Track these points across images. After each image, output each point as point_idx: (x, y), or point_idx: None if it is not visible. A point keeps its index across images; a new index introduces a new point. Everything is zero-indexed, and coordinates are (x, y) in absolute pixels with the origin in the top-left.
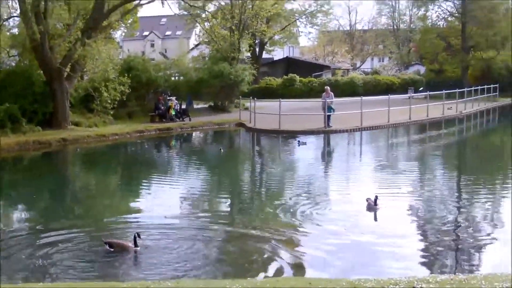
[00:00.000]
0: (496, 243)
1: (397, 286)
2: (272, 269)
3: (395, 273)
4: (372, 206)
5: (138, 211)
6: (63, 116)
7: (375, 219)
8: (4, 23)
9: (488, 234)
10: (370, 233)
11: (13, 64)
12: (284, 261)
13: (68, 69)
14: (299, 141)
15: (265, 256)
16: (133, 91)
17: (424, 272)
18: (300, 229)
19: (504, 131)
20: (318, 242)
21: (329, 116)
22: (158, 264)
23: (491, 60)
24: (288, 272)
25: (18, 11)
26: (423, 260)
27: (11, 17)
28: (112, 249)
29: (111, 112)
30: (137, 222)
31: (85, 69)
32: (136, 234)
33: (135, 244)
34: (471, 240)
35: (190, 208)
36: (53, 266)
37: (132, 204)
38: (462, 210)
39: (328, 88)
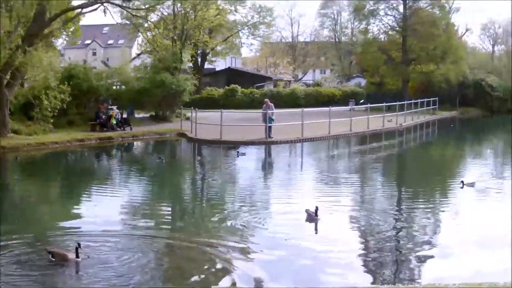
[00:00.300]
0: (436, 254)
1: None
2: (213, 280)
3: (335, 283)
4: (312, 217)
5: (78, 219)
6: (2, 123)
7: (316, 229)
8: None
9: (428, 245)
10: (310, 243)
11: None
12: (225, 272)
13: (8, 76)
14: (238, 152)
15: (206, 267)
16: (74, 100)
17: (365, 282)
18: (241, 239)
19: (442, 143)
20: (258, 252)
21: (270, 127)
22: (98, 276)
23: (431, 74)
24: (228, 282)
25: None
26: (364, 270)
27: None
28: (53, 259)
29: (51, 120)
30: (77, 230)
31: (25, 77)
32: (77, 244)
33: (77, 255)
34: (411, 251)
35: (130, 217)
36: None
37: (72, 213)
38: (401, 221)
39: (268, 100)
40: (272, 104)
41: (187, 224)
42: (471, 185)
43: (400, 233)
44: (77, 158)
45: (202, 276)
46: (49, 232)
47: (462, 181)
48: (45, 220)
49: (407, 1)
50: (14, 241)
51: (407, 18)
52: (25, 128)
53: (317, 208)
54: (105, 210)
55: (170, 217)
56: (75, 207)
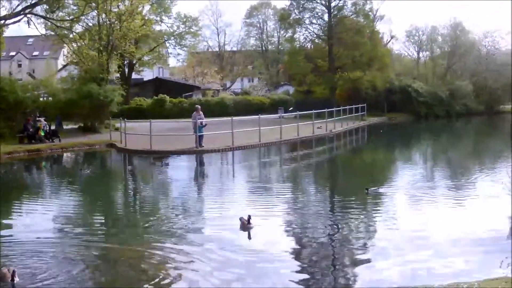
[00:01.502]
0: (370, 259)
1: None
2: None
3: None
4: (245, 225)
5: (9, 229)
6: None
7: (249, 237)
8: None
9: (362, 251)
10: (244, 251)
11: None
12: (157, 283)
13: None
14: (162, 162)
15: (142, 277)
16: (1, 113)
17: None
18: (175, 248)
19: (373, 148)
20: (194, 261)
21: (201, 136)
22: None
23: (358, 81)
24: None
25: None
26: (300, 277)
27: None
28: None
29: None
30: (9, 239)
31: None
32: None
33: (12, 278)
34: (345, 257)
35: (63, 226)
36: None
37: (3, 223)
38: (334, 227)
39: (199, 107)
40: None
41: (121, 231)
42: (375, 191)
43: (333, 239)
44: (6, 171)
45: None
46: None
47: (366, 188)
48: None
49: (332, 10)
50: None
51: (332, 26)
52: None
53: (249, 216)
54: (36, 220)
55: (103, 225)
56: (6, 217)
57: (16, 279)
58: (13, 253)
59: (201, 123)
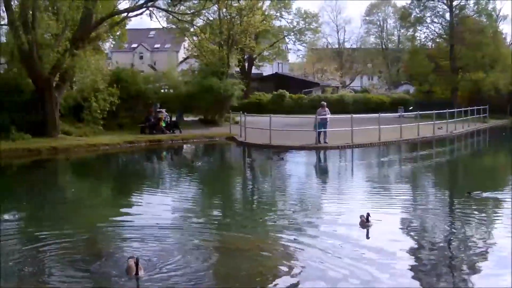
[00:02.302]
0: (491, 262)
1: None
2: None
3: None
4: (364, 223)
5: (129, 215)
6: (53, 125)
7: (367, 235)
8: None
9: (481, 253)
10: (360, 247)
11: (1, 72)
12: (275, 275)
13: (57, 79)
14: (280, 157)
15: (257, 270)
16: (123, 103)
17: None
18: (294, 242)
19: (495, 151)
20: (312, 256)
21: (324, 133)
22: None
23: (480, 82)
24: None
25: (6, 20)
26: (416, 277)
27: None
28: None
29: (102, 123)
30: (129, 224)
31: (74, 79)
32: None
33: (136, 272)
34: (465, 259)
35: (182, 215)
36: (42, 273)
37: (123, 210)
38: (454, 229)
39: (325, 103)
40: (327, 109)
41: (238, 222)
42: (478, 195)
43: (453, 239)
44: (127, 160)
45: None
46: (101, 225)
47: (468, 192)
48: (96, 215)
49: (453, 9)
50: (65, 238)
51: (454, 26)
52: (75, 130)
53: (368, 214)
54: (155, 208)
55: (221, 216)
56: (127, 204)
57: (141, 273)
58: (133, 238)
59: (325, 119)
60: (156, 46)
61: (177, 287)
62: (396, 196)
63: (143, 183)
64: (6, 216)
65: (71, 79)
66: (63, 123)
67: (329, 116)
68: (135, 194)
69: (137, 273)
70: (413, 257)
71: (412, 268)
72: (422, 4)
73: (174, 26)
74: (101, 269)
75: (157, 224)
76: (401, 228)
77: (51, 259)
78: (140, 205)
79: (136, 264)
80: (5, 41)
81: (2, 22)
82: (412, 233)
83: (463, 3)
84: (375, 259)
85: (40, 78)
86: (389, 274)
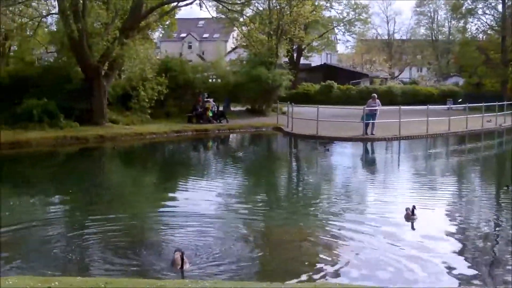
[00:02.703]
0: None
1: None
2: (307, 272)
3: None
4: (409, 215)
5: (174, 202)
6: (101, 113)
7: (412, 228)
8: (43, 19)
9: None
10: (406, 241)
11: (51, 60)
12: (320, 267)
13: (106, 67)
14: (325, 147)
15: (302, 259)
16: (171, 92)
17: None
18: (339, 233)
19: None
20: (355, 248)
21: (373, 124)
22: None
23: None
24: (324, 277)
25: (57, 9)
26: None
27: (49, 14)
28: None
29: (149, 111)
30: (173, 211)
31: (122, 68)
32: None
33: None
34: (506, 253)
35: (225, 205)
36: (87, 260)
37: (169, 196)
38: (501, 223)
39: (375, 95)
40: (378, 101)
41: (283, 212)
42: None
43: (499, 235)
44: (174, 149)
45: (292, 268)
46: (146, 213)
47: (507, 185)
48: (142, 203)
49: (506, 0)
50: (111, 225)
51: (506, 17)
52: (123, 118)
53: (414, 207)
54: (201, 196)
55: (265, 205)
56: (172, 193)
57: (186, 266)
58: (177, 226)
59: (374, 110)
60: (205, 35)
61: (221, 278)
62: (442, 189)
63: (189, 172)
64: (53, 203)
65: (119, 68)
66: (110, 111)
67: (379, 107)
68: (180, 182)
69: (182, 267)
70: (457, 252)
71: (456, 263)
72: None
73: (223, 16)
74: (145, 257)
75: (202, 213)
76: (446, 222)
77: (96, 246)
78: (185, 194)
79: (182, 258)
80: (55, 29)
81: (53, 11)
82: (457, 227)
83: None
84: (418, 253)
85: (89, 67)
86: (431, 269)
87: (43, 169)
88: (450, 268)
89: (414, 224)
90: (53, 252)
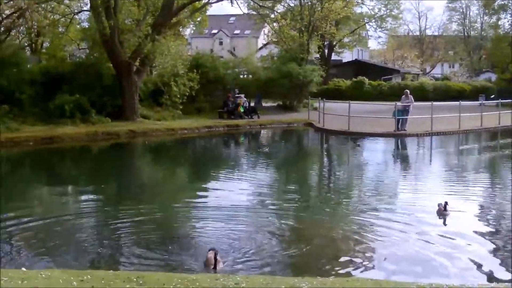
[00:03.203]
0: None
1: None
2: (340, 268)
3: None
4: (441, 211)
5: (206, 202)
6: (132, 109)
7: (444, 223)
8: (75, 16)
9: None
10: (438, 237)
11: (83, 56)
12: (352, 262)
13: (137, 64)
14: (355, 142)
15: (334, 254)
16: (202, 88)
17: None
18: (370, 229)
19: None
20: (387, 243)
21: (404, 120)
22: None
23: None
24: (356, 272)
25: (89, 6)
26: (487, 268)
27: (81, 11)
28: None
29: (180, 107)
30: (205, 204)
31: (154, 64)
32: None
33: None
34: None
35: (255, 200)
36: (117, 253)
37: (200, 190)
38: None
39: (408, 91)
40: (411, 96)
41: (313, 207)
42: None
43: None
44: (205, 144)
45: (324, 263)
46: (177, 206)
47: None
48: (173, 196)
49: None
50: (141, 219)
51: None
52: (154, 114)
53: (446, 203)
54: (231, 190)
55: (296, 200)
56: (203, 187)
57: (220, 266)
58: (208, 220)
59: (406, 106)
60: (236, 32)
61: (253, 273)
62: (474, 185)
63: (220, 167)
64: (85, 197)
65: (151, 64)
66: (142, 107)
67: (411, 103)
68: (211, 177)
69: (215, 267)
70: (488, 249)
71: (485, 260)
72: None
73: (254, 12)
74: (177, 252)
75: (234, 208)
76: (477, 218)
77: (126, 239)
78: (217, 188)
79: (215, 257)
80: (87, 26)
81: (85, 8)
82: (488, 224)
83: None
84: (449, 249)
85: (120, 63)
86: (462, 265)
87: (75, 164)
88: (479, 265)
89: (446, 220)
90: (84, 246)
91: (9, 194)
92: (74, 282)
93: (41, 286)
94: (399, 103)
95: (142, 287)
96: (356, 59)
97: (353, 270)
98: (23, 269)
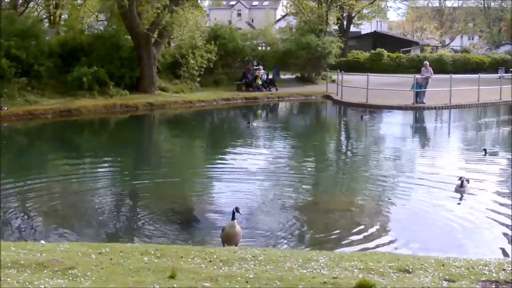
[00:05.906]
0: None
1: (487, 267)
2: (357, 242)
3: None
4: (460, 188)
5: (223, 173)
6: (150, 81)
7: (462, 199)
8: None
9: None
10: (455, 213)
11: (101, 28)
12: (369, 235)
13: (155, 35)
14: (362, 116)
15: (351, 227)
16: (220, 60)
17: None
18: (387, 203)
19: None
20: (404, 217)
21: (423, 92)
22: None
23: None
24: (372, 246)
25: None
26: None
27: None
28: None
29: (198, 79)
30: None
31: (172, 36)
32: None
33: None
34: None
35: (275, 175)
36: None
37: (219, 161)
38: None
39: (427, 63)
40: (430, 68)
41: (331, 181)
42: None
43: None
44: (223, 117)
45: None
46: (196, 178)
47: (484, 149)
48: (191, 168)
49: None
50: (160, 190)
51: None
52: (172, 86)
53: (464, 178)
54: (249, 164)
55: (313, 174)
56: (220, 159)
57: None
58: (226, 190)
59: (425, 79)
60: (254, 3)
61: (270, 245)
62: (493, 160)
63: (238, 139)
64: (103, 170)
65: (169, 35)
66: (160, 79)
67: (431, 75)
68: (229, 149)
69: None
70: (504, 224)
71: (504, 236)
72: None
73: None
74: (194, 225)
75: (251, 180)
76: (495, 194)
77: (144, 214)
78: (233, 160)
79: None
80: None
81: None
82: (506, 198)
83: None
84: (467, 223)
85: (138, 35)
86: (480, 239)
87: (93, 136)
88: (497, 240)
89: (464, 195)
90: (100, 219)
91: (28, 166)
92: (93, 255)
93: (60, 258)
94: (418, 76)
95: (160, 260)
96: (375, 31)
97: (371, 243)
98: (42, 241)
